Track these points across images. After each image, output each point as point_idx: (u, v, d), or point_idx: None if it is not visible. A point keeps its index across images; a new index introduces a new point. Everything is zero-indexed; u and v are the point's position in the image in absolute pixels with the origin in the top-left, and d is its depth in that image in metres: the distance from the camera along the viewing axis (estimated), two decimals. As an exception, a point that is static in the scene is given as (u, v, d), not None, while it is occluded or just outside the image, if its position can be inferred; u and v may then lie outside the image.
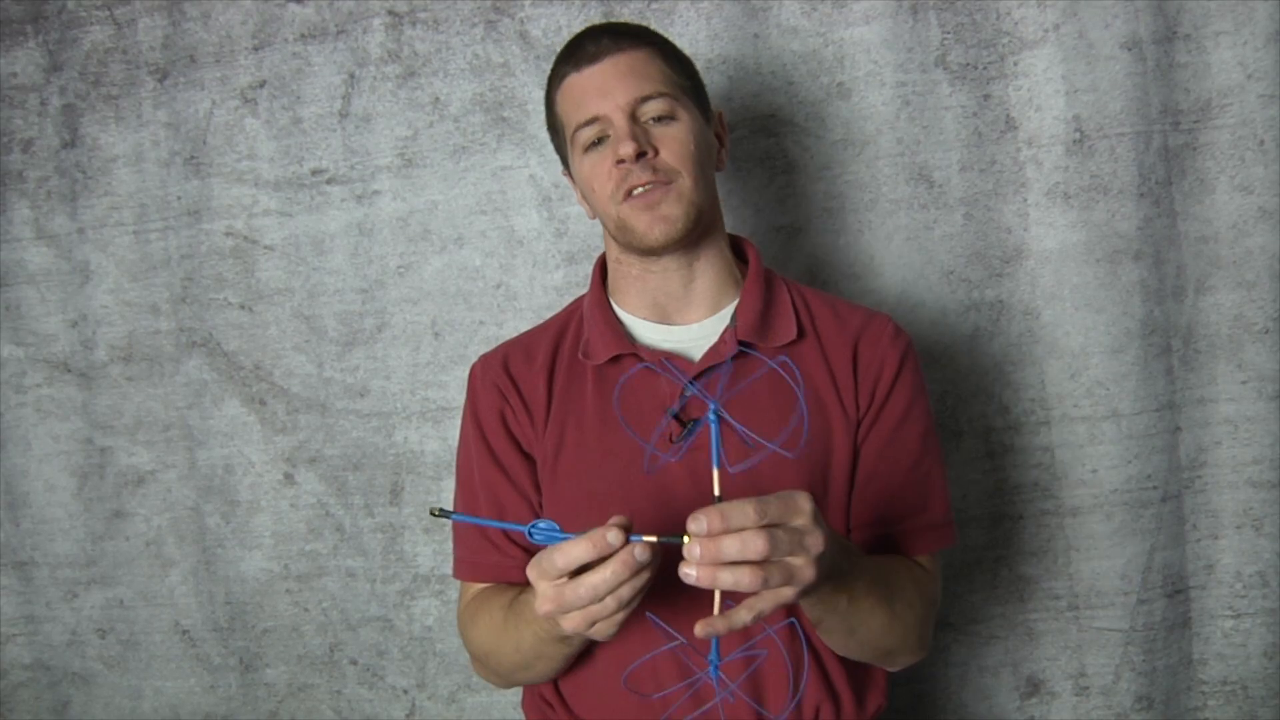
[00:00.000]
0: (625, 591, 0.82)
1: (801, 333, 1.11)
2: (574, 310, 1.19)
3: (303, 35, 1.58)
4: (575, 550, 0.81)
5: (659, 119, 1.06)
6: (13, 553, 1.69)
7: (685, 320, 1.11)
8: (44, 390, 1.67)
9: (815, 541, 0.82)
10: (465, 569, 1.13)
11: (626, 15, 1.50)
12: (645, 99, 1.05)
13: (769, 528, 0.80)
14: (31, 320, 1.66)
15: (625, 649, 1.02)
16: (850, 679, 1.07)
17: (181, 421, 1.64)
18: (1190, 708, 1.54)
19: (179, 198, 1.62)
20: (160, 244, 1.63)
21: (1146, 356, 1.48)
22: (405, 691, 1.62)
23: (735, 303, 1.12)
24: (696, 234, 1.08)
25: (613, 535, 0.81)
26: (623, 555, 0.81)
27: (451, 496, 1.21)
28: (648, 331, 1.11)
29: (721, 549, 0.78)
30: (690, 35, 1.51)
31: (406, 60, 1.56)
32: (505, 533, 1.08)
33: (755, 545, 0.78)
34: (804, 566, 0.82)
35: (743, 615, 0.82)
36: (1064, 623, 1.52)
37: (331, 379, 1.60)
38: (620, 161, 1.03)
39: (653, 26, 1.47)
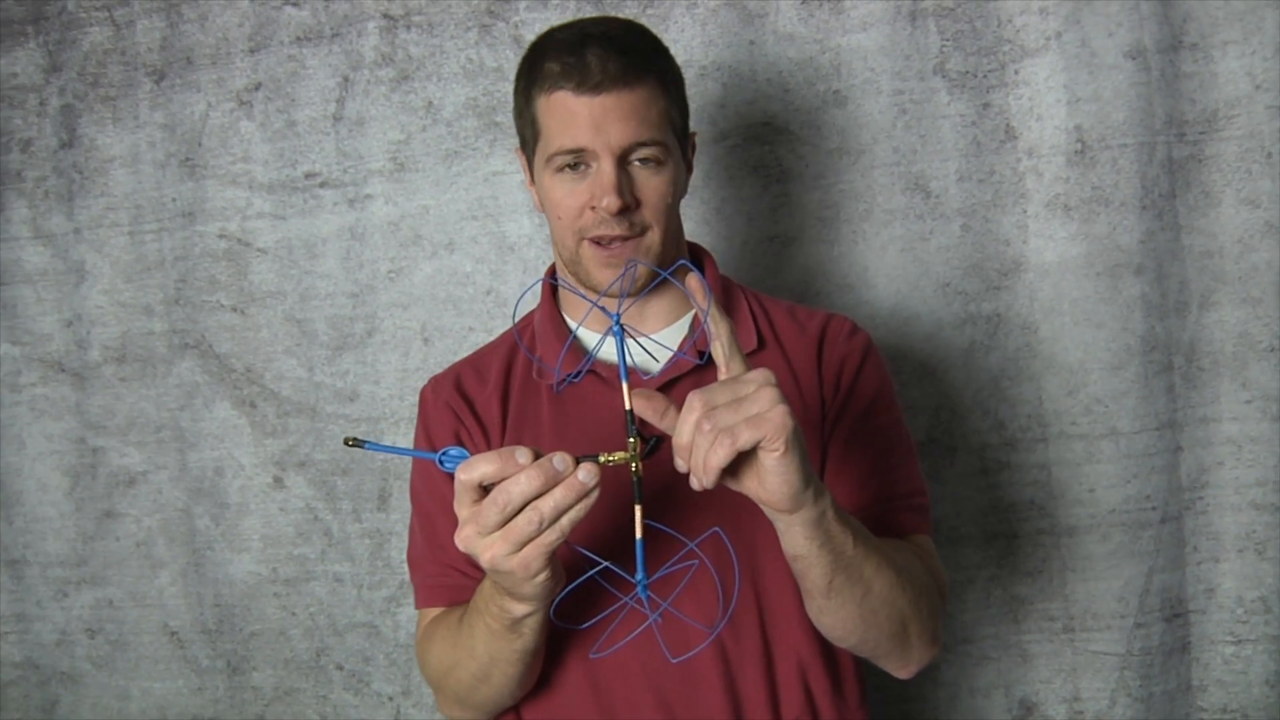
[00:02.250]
0: (546, 507, 0.78)
1: (762, 342, 1.08)
2: (524, 326, 1.16)
3: (298, 38, 1.58)
4: (481, 463, 0.78)
5: (645, 161, 1.00)
6: (5, 551, 1.70)
7: (641, 333, 1.09)
8: (38, 389, 1.67)
9: (770, 394, 0.77)
10: (425, 595, 1.09)
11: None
12: (639, 144, 0.99)
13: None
14: (27, 319, 1.67)
15: (588, 672, 1.01)
16: (828, 694, 1.04)
17: (173, 423, 1.64)
18: (1188, 735, 1.50)
19: (174, 199, 1.62)
20: (155, 245, 1.63)
21: (1147, 373, 1.44)
22: (390, 698, 1.61)
23: (692, 313, 1.10)
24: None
25: (520, 452, 0.78)
26: (539, 463, 0.77)
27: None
28: (602, 346, 1.09)
29: (679, 439, 0.77)
30: (685, 41, 1.49)
31: (400, 64, 1.55)
32: (469, 558, 1.06)
33: (689, 407, 0.77)
34: (766, 404, 0.77)
35: (717, 449, 0.76)
36: (1059, 645, 1.48)
37: (321, 383, 1.59)
38: (596, 208, 0.99)
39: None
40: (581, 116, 0.97)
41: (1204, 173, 1.44)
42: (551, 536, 0.79)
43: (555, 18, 1.50)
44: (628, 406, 0.81)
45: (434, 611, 1.08)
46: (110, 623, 1.68)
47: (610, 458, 0.80)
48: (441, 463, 0.82)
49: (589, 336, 1.10)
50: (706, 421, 0.76)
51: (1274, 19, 1.40)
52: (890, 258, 1.48)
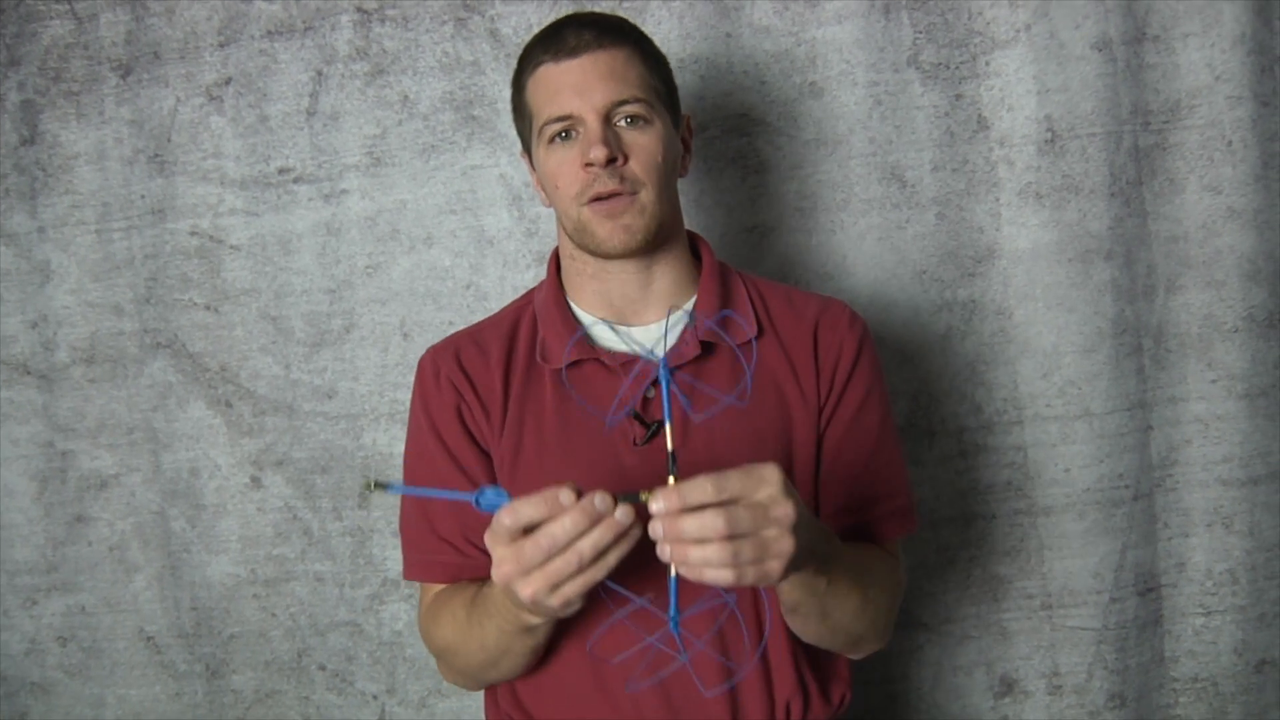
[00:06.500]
0: (586, 547, 0.79)
1: (761, 330, 1.10)
2: (525, 304, 1.16)
3: (269, 32, 1.55)
4: (525, 508, 0.79)
5: (632, 121, 1.04)
6: (-30, 559, 1.66)
7: (642, 321, 1.10)
8: (2, 393, 1.63)
9: (784, 512, 0.80)
10: (419, 570, 1.09)
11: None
12: (621, 103, 1.03)
13: (729, 504, 0.78)
14: (-11, 321, 1.63)
15: (590, 652, 1.01)
16: (814, 672, 1.07)
17: (146, 424, 1.61)
18: (1161, 705, 1.54)
19: (143, 196, 1.59)
20: (123, 243, 1.60)
21: (1118, 356, 1.48)
22: (375, 697, 1.60)
23: (692, 300, 1.11)
24: (656, 243, 1.07)
25: (564, 494, 0.79)
26: (582, 504, 0.78)
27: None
28: (606, 332, 1.09)
29: (681, 528, 0.77)
30: (662, 34, 1.49)
31: (375, 58, 1.54)
32: (464, 533, 1.06)
33: (713, 524, 0.77)
34: (778, 538, 0.80)
35: (724, 574, 0.79)
36: (1037, 622, 1.52)
37: (299, 380, 1.57)
38: (589, 165, 1.02)
39: (625, 24, 1.47)
40: (563, 84, 1.03)
41: (1168, 160, 1.48)
42: (596, 575, 0.81)
43: (531, 11, 1.51)
44: (669, 448, 0.83)
45: (436, 587, 1.09)
46: (83, 630, 1.64)
47: (650, 495, 0.81)
48: (478, 503, 0.82)
49: (589, 321, 1.11)
50: (724, 546, 0.78)
51: (1231, 12, 1.45)
52: (867, 246, 1.51)
